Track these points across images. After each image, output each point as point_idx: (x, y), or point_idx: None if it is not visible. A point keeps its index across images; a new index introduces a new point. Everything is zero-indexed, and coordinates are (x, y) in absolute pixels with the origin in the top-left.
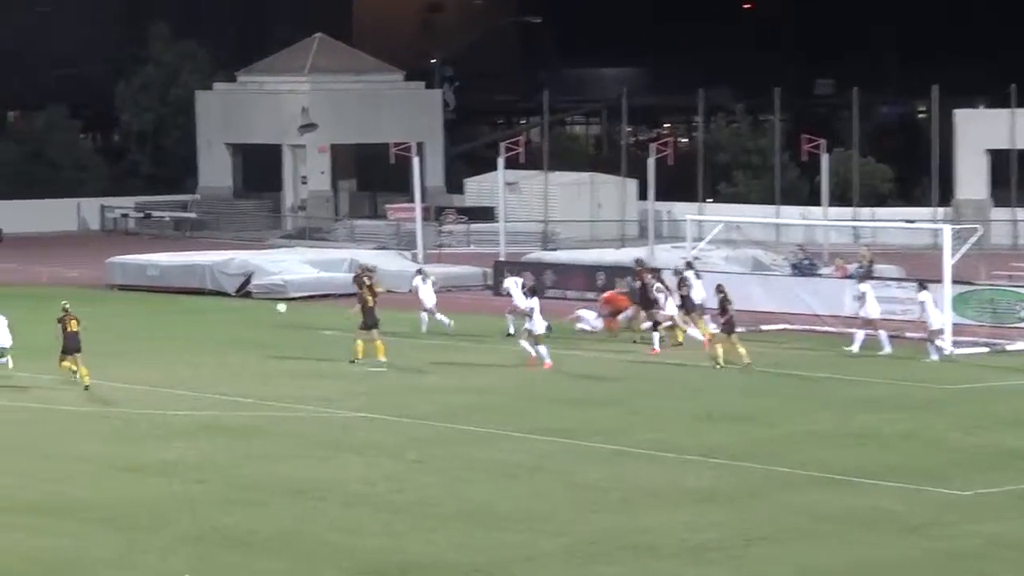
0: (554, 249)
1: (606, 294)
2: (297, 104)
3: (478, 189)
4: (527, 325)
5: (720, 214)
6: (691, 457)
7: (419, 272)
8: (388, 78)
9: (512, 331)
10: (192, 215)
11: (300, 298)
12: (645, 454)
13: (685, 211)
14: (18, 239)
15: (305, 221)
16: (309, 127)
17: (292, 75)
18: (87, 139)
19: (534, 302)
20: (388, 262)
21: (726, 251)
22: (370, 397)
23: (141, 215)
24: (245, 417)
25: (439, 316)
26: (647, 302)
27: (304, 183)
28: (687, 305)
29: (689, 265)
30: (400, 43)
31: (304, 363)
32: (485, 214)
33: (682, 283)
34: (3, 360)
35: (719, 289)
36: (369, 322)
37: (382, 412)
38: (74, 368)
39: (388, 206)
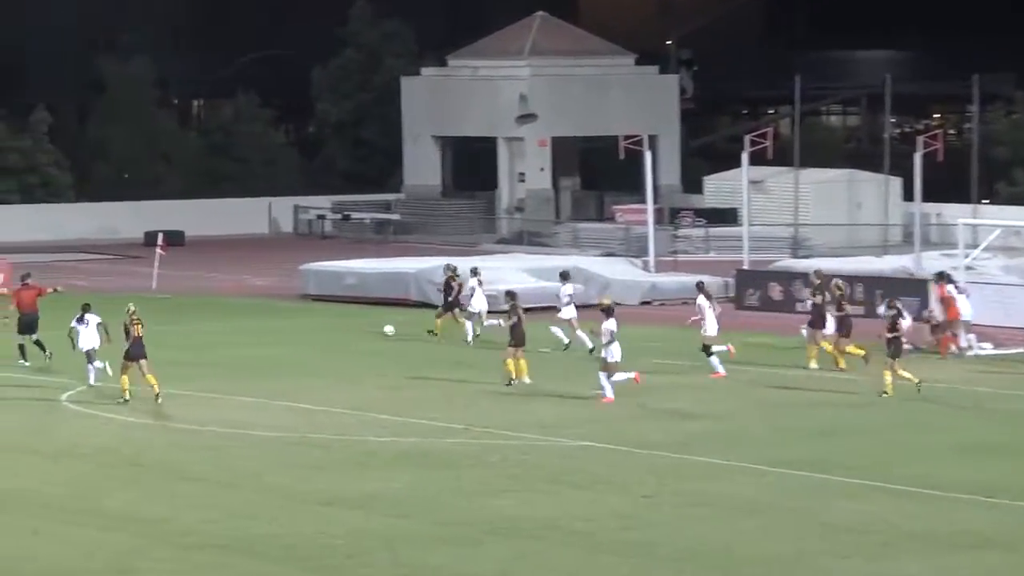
0: (806, 256)
1: (944, 292)
2: (515, 91)
3: (719, 188)
4: (603, 353)
5: (997, 218)
6: (960, 495)
7: (474, 272)
8: (617, 62)
9: (566, 343)
10: (395, 217)
11: None
12: (906, 491)
13: (957, 214)
14: (201, 243)
15: (522, 224)
16: (528, 117)
17: (509, 58)
18: (279, 131)
19: (612, 324)
20: (616, 271)
21: (1003, 260)
22: (594, 424)
23: (339, 216)
24: (454, 445)
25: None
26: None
27: (522, 181)
28: (844, 326)
29: (941, 276)
30: (632, 22)
31: (519, 385)
32: (726, 216)
33: (841, 302)
34: (99, 364)
35: (891, 304)
36: (516, 340)
37: (607, 441)
38: (127, 387)
39: (616, 207)
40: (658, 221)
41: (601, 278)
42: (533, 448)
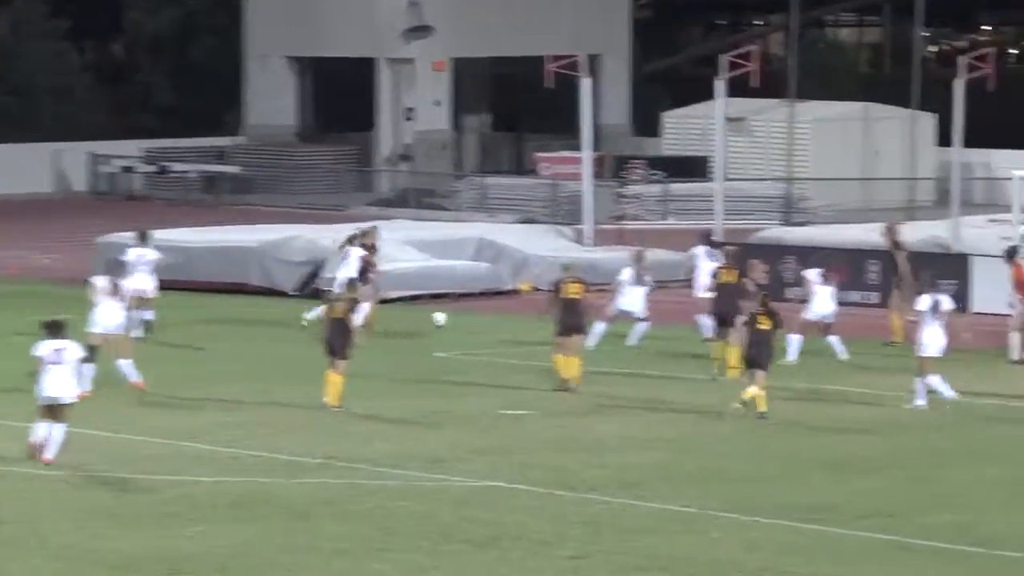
0: (803, 223)
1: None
2: None
3: (683, 129)
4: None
5: None
6: (1015, 554)
7: (351, 240)
8: None
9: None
10: (233, 170)
11: (399, 299)
12: (940, 549)
13: (1012, 163)
14: None
15: (410, 179)
16: (420, 31)
17: None
18: (73, 50)
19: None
20: (538, 243)
21: None
22: (504, 456)
23: (153, 169)
24: (306, 486)
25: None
26: None
27: (410, 119)
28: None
29: (1014, 252)
30: None
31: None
32: (693, 168)
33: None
34: None
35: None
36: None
37: (521, 480)
38: None
39: (540, 155)
40: (598, 175)
41: (517, 253)
42: (418, 491)
